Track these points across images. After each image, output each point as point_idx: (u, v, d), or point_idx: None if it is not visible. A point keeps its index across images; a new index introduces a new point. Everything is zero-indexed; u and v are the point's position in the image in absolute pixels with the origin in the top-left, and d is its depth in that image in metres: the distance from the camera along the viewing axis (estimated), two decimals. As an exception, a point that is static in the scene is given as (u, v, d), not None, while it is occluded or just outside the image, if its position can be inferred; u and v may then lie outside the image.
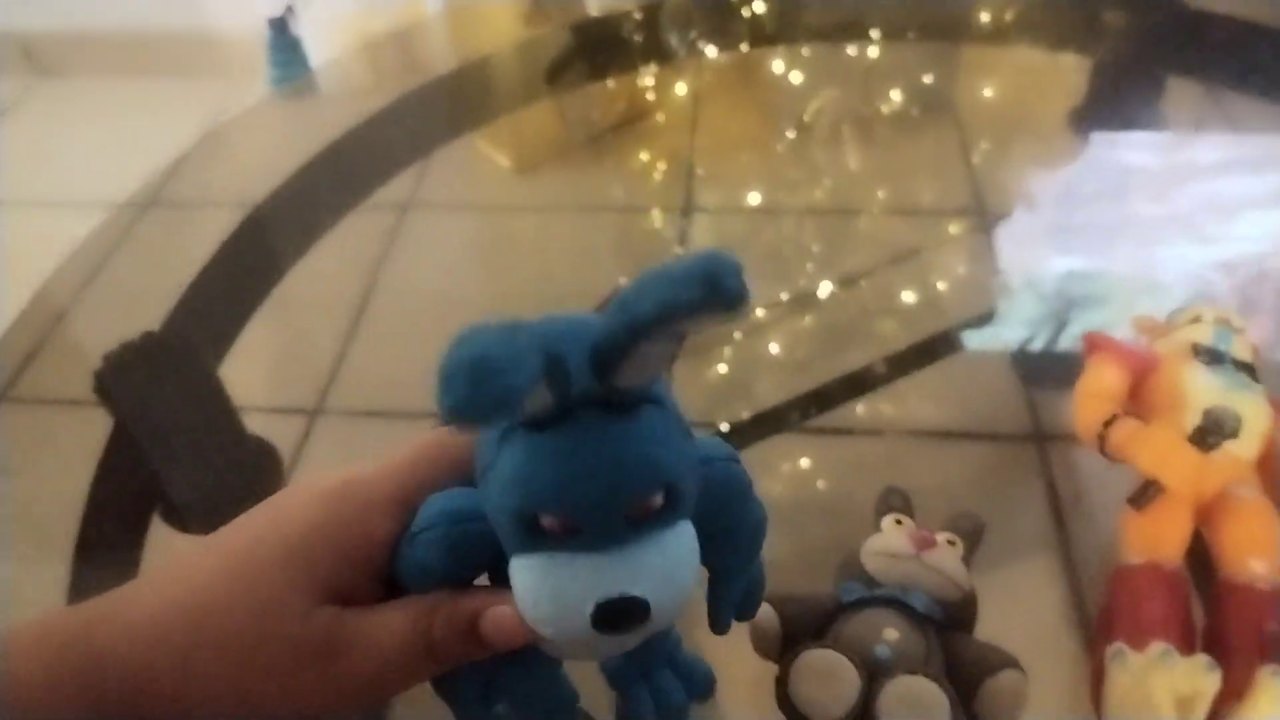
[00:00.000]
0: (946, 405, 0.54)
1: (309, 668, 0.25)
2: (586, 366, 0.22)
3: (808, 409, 0.54)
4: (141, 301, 0.64)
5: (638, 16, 0.89)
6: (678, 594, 0.25)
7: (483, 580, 0.28)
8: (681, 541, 0.25)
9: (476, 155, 0.78)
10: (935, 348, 0.58)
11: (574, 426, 0.23)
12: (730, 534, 0.30)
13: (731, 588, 0.32)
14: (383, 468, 0.28)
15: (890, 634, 0.35)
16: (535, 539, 0.24)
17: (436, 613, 0.26)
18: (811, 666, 0.34)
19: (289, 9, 1.07)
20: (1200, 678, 0.34)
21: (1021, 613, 0.43)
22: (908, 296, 0.62)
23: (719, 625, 0.32)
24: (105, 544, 0.49)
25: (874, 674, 0.34)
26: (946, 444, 0.52)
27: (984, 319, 0.60)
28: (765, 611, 0.37)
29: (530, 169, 0.75)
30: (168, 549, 0.49)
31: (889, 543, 0.39)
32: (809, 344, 0.59)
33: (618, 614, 0.24)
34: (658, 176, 0.75)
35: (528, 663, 0.29)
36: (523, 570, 0.24)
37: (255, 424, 0.56)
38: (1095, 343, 0.47)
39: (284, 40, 1.07)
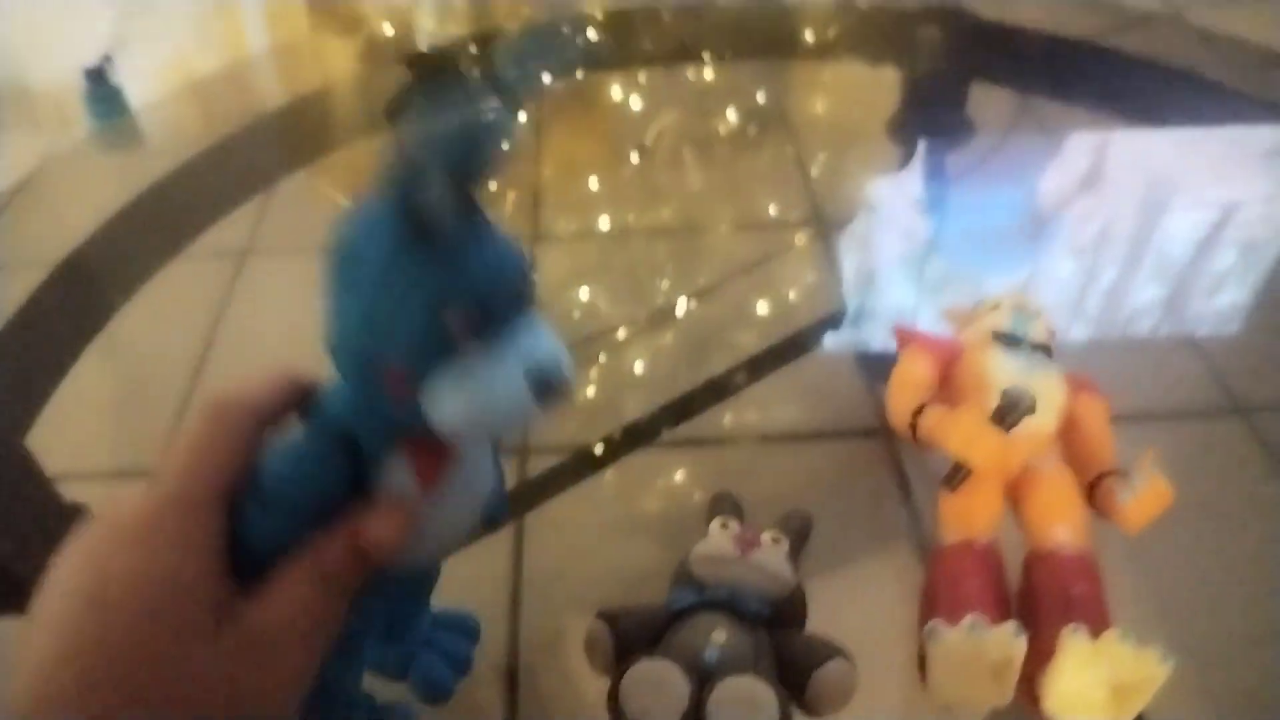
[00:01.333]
0: (800, 408, 0.55)
1: (248, 678, 0.26)
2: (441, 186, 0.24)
3: (670, 420, 0.54)
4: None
5: (473, 49, 0.89)
6: (569, 360, 0.28)
7: None
8: (547, 324, 0.28)
9: (316, 196, 0.76)
10: (784, 352, 0.59)
11: (463, 228, 0.25)
12: None
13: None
14: (170, 484, 0.27)
15: (718, 636, 0.36)
16: (446, 349, 0.25)
17: (320, 551, 0.27)
18: (640, 677, 0.34)
19: (106, 57, 1.02)
20: (1008, 644, 0.36)
21: (875, 600, 0.45)
22: (758, 306, 0.63)
23: (496, 517, 0.36)
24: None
25: (704, 678, 0.34)
26: (800, 445, 0.53)
27: (829, 322, 0.61)
28: (597, 626, 0.37)
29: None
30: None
31: (714, 546, 0.40)
32: (668, 359, 0.59)
33: (547, 380, 0.26)
34: (505, 206, 0.74)
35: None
36: (448, 381, 0.26)
37: (89, 490, 0.52)
38: (904, 336, 0.49)
39: (103, 90, 1.02)
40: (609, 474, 0.51)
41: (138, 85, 1.00)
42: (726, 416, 0.55)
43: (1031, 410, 0.41)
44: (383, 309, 0.25)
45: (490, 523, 0.35)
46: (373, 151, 0.79)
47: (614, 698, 0.34)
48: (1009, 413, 0.41)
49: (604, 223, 0.72)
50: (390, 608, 0.37)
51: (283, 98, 0.88)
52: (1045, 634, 0.36)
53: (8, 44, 1.38)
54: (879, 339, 0.60)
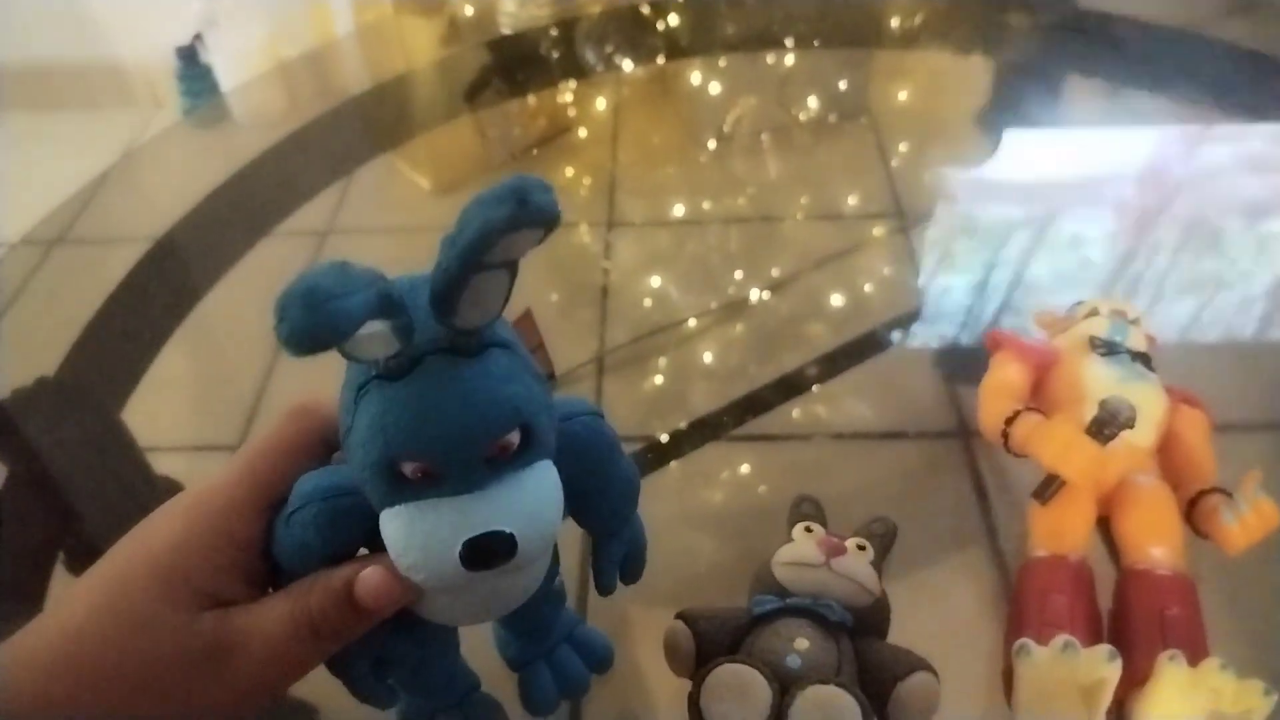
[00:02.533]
0: (874, 406, 0.54)
1: (201, 674, 0.26)
2: (429, 314, 0.23)
3: (740, 415, 0.54)
4: (44, 342, 0.62)
5: (554, 33, 0.89)
6: (544, 529, 0.26)
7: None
8: (543, 479, 0.26)
9: (396, 177, 0.77)
10: (861, 349, 0.58)
11: (424, 372, 0.24)
12: (601, 491, 0.32)
13: (611, 548, 0.34)
14: (234, 469, 0.28)
15: (801, 644, 0.35)
16: (400, 489, 0.25)
17: (313, 590, 0.27)
18: (723, 681, 0.33)
19: (197, 36, 1.05)
20: (1101, 667, 0.34)
21: (953, 609, 0.44)
22: (834, 300, 0.63)
23: (603, 585, 0.34)
24: (5, 594, 0.47)
25: (785, 685, 0.33)
26: (875, 444, 0.52)
27: (907, 319, 0.60)
28: (678, 629, 0.37)
29: (451, 189, 0.75)
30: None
31: (798, 552, 0.39)
32: (740, 351, 0.59)
33: (485, 551, 0.25)
34: (581, 191, 0.74)
35: (415, 635, 0.30)
36: (391, 521, 0.25)
37: (175, 463, 0.54)
38: (998, 340, 0.48)
39: (194, 69, 1.05)
40: (677, 466, 0.51)
41: (227, 64, 1.02)
42: (798, 412, 0.54)
43: (1130, 423, 0.39)
44: (351, 428, 0.25)
45: (599, 588, 0.34)
46: (454, 135, 0.81)
47: (695, 700, 0.34)
48: (1107, 424, 0.39)
49: (678, 209, 0.72)
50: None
51: (367, 81, 0.89)
52: (1138, 657, 0.35)
53: (101, 22, 1.43)
54: (958, 338, 0.59)
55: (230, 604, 0.27)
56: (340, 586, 0.27)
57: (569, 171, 0.77)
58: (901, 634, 0.38)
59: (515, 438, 0.25)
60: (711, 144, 0.79)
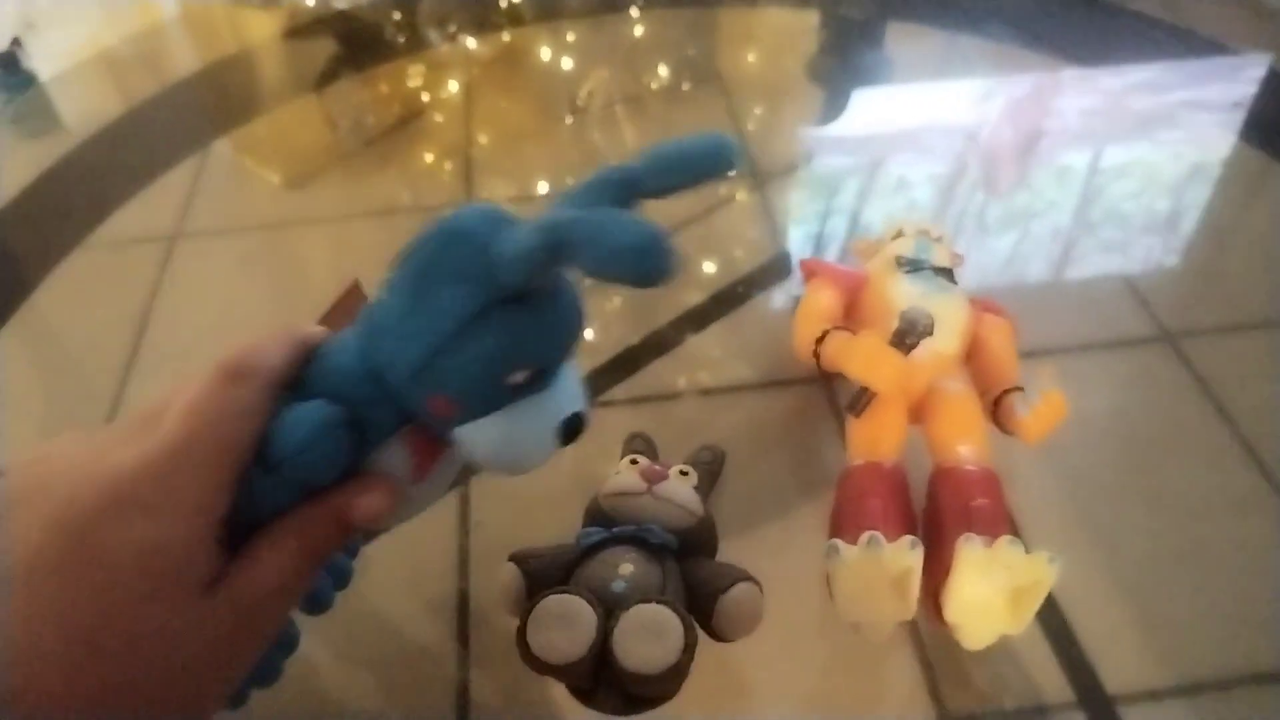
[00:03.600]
0: (741, 360, 0.55)
1: (234, 645, 0.27)
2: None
3: (609, 380, 0.54)
4: None
5: (396, 16, 0.88)
6: (588, 403, 0.30)
7: None
8: (574, 365, 0.30)
9: (244, 174, 0.75)
10: (725, 304, 0.59)
11: (547, 295, 0.27)
12: None
13: None
14: (186, 456, 0.26)
15: (626, 569, 0.36)
16: (501, 396, 0.28)
17: (316, 521, 0.28)
18: (548, 611, 0.34)
19: (15, 41, 0.99)
20: (905, 557, 0.36)
21: (817, 542, 0.44)
22: (699, 260, 0.63)
23: None
24: None
25: (611, 609, 0.34)
26: (743, 396, 0.54)
27: (765, 272, 0.62)
28: (507, 569, 0.38)
29: (303, 181, 0.73)
30: None
31: (621, 482, 0.40)
32: (608, 320, 0.59)
33: (575, 428, 0.29)
34: (438, 174, 0.73)
35: None
36: (494, 425, 0.28)
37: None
38: (810, 268, 0.50)
39: (16, 79, 0.98)
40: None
41: (52, 68, 0.97)
42: (670, 372, 0.55)
43: (929, 331, 0.41)
44: (453, 352, 0.26)
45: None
46: (292, 120, 0.78)
47: (521, 633, 0.34)
48: (907, 334, 0.41)
49: (540, 186, 0.72)
50: None
51: (197, 65, 0.86)
52: (947, 548, 0.37)
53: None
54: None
55: (217, 570, 0.27)
56: (337, 513, 0.28)
57: (423, 154, 0.76)
58: (758, 564, 0.39)
59: None
60: (568, 118, 0.79)
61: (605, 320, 0.59)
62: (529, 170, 0.73)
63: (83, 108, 0.85)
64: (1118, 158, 0.70)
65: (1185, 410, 0.51)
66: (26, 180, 0.70)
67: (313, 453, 0.27)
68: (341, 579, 0.39)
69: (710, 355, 0.56)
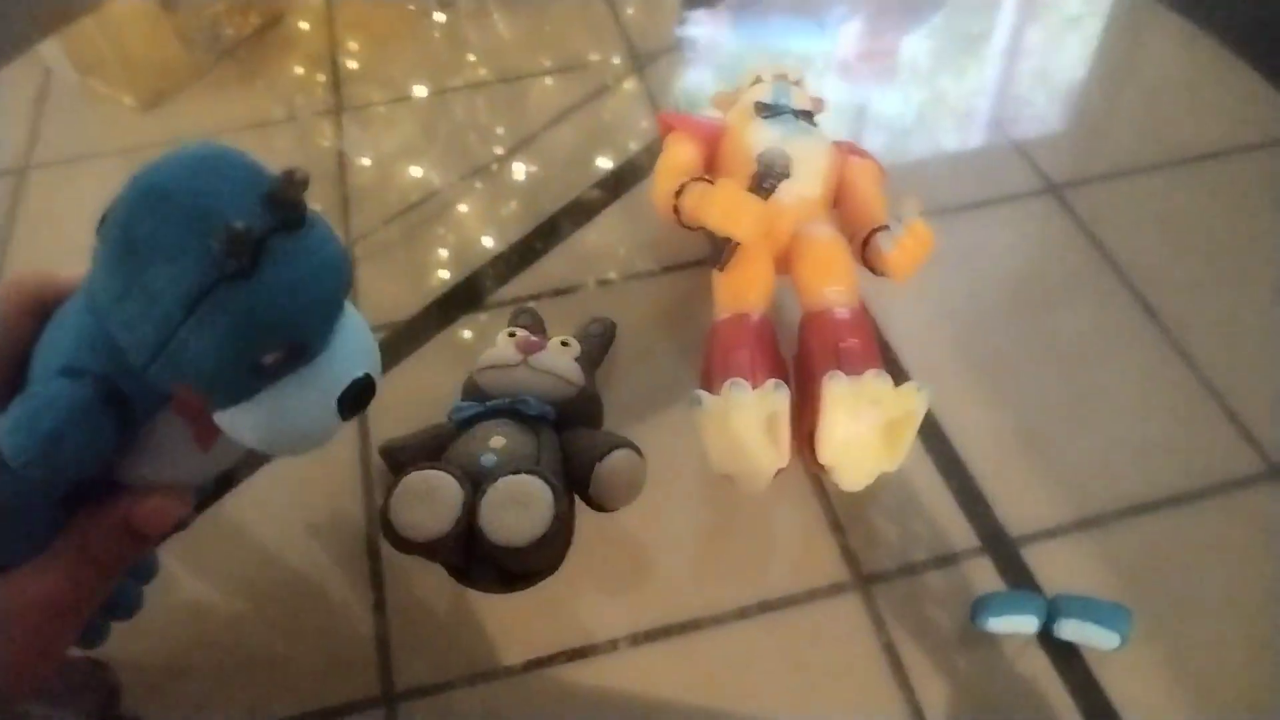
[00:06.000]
0: (633, 247, 0.54)
1: (9, 632, 0.25)
2: (251, 202, 0.22)
3: (502, 276, 0.53)
4: None
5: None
6: (378, 359, 0.26)
7: None
8: (354, 316, 0.26)
9: (94, 99, 0.70)
10: (612, 192, 0.58)
11: (275, 258, 0.22)
12: None
13: None
14: None
15: (497, 441, 0.35)
16: (259, 380, 0.23)
17: (90, 531, 0.26)
18: (410, 489, 0.33)
19: None
20: (770, 399, 0.35)
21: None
22: (590, 152, 0.62)
23: None
24: None
25: (479, 483, 0.33)
26: (639, 283, 0.52)
27: (649, 154, 0.61)
28: (376, 460, 0.37)
29: (158, 101, 0.69)
30: None
31: (496, 354, 0.39)
32: (508, 221, 0.58)
33: (359, 395, 0.25)
34: (307, 83, 0.70)
35: None
36: (254, 411, 0.24)
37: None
38: (668, 122, 0.47)
39: None
40: (439, 341, 0.50)
41: None
42: (563, 265, 0.53)
43: (786, 172, 0.39)
44: (184, 339, 0.22)
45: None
46: (138, 37, 0.73)
47: (385, 514, 0.33)
48: (765, 178, 0.39)
49: (414, 89, 0.69)
50: None
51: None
52: (819, 391, 0.36)
53: None
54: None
55: None
56: (118, 521, 0.26)
57: (288, 64, 0.72)
58: (665, 437, 0.39)
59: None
60: (438, 15, 0.75)
61: (495, 216, 0.57)
62: (402, 72, 0.70)
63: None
64: (1000, 8, 0.70)
65: (1072, 258, 0.51)
66: None
67: (65, 445, 0.23)
68: (146, 573, 0.35)
69: (603, 245, 0.55)
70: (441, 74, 0.70)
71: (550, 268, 0.53)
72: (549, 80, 0.69)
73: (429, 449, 0.36)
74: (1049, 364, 0.47)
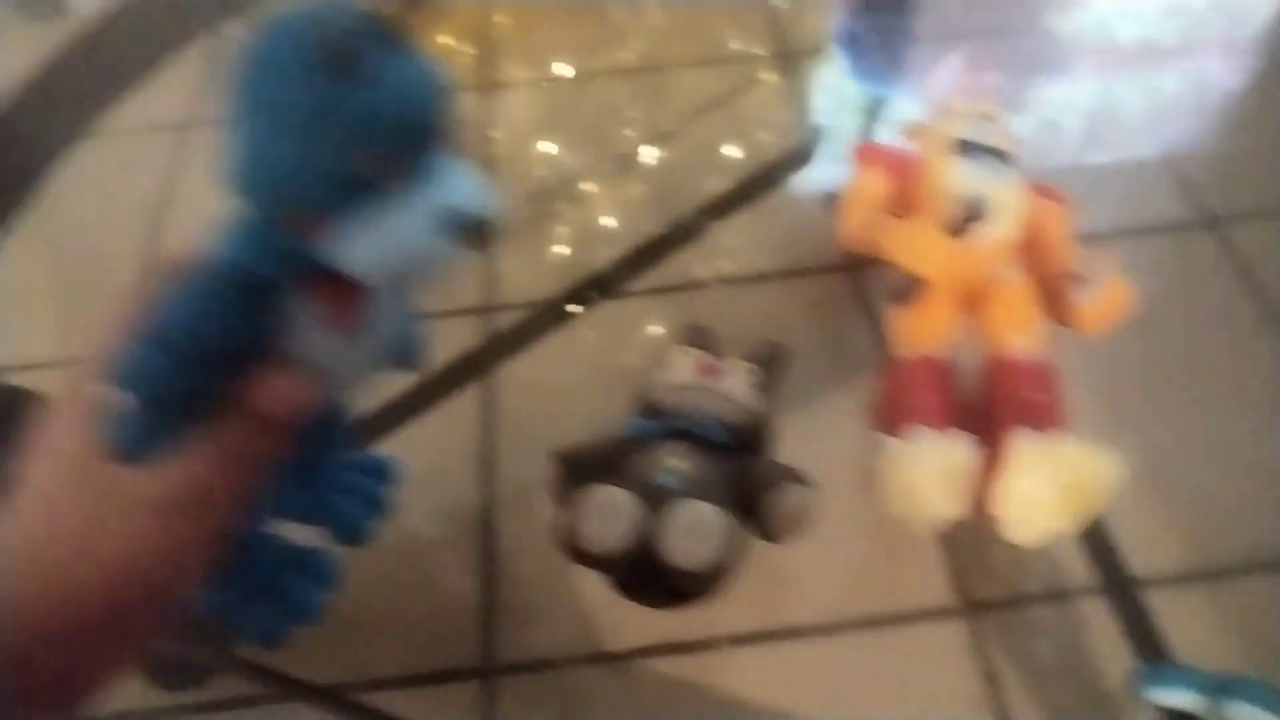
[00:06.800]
0: (768, 247, 0.54)
1: (141, 540, 0.25)
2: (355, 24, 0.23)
3: (636, 269, 0.53)
4: None
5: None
6: (494, 202, 0.26)
7: None
8: (469, 164, 0.26)
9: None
10: (750, 191, 0.58)
11: (373, 66, 0.22)
12: None
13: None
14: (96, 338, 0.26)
15: (674, 463, 0.35)
16: (360, 195, 0.24)
17: (225, 424, 0.26)
18: (592, 501, 0.33)
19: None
20: (957, 451, 0.35)
21: (852, 435, 0.44)
22: (726, 146, 0.62)
23: (412, 359, 0.33)
24: None
25: (657, 503, 0.34)
26: (770, 285, 0.52)
27: (796, 158, 0.60)
28: (551, 464, 0.37)
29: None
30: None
31: (675, 374, 0.39)
32: (635, 207, 0.58)
33: (467, 220, 0.24)
34: (457, 57, 0.72)
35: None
36: (358, 225, 0.24)
37: (37, 381, 0.51)
38: (862, 153, 0.47)
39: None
40: (578, 326, 0.51)
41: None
42: (695, 261, 0.54)
43: (980, 216, 0.39)
44: (287, 148, 0.23)
45: (404, 364, 0.33)
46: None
47: (566, 524, 0.33)
48: (962, 220, 0.39)
49: (562, 69, 0.70)
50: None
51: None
52: (1000, 442, 0.36)
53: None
54: (844, 172, 0.59)
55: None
56: (243, 405, 0.26)
57: (441, 37, 0.74)
58: (795, 456, 0.38)
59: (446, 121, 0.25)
60: (591, -3, 0.76)
61: (626, 208, 0.58)
62: (551, 51, 0.71)
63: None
64: (1158, 36, 0.66)
65: (1225, 296, 0.49)
66: (32, 65, 0.69)
67: (200, 319, 0.25)
68: (376, 507, 0.37)
69: (735, 244, 0.55)
70: (588, 56, 0.70)
71: (680, 261, 0.54)
72: (695, 71, 0.69)
73: (605, 461, 0.37)
74: (1190, 406, 0.45)
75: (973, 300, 0.42)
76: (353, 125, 0.23)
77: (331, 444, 0.37)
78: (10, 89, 0.67)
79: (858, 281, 0.51)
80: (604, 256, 0.55)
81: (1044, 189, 0.45)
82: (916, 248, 0.40)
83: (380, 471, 0.39)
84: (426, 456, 0.44)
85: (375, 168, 0.23)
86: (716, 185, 0.58)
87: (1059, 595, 0.39)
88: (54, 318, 0.56)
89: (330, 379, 0.28)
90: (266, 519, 0.35)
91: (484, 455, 0.45)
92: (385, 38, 0.23)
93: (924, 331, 0.41)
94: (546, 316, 0.51)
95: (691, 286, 0.53)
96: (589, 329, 0.51)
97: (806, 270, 0.53)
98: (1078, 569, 0.40)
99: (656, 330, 0.51)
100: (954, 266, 0.40)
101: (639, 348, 0.51)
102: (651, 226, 0.56)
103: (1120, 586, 0.39)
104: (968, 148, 0.43)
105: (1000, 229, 0.41)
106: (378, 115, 0.23)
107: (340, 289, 0.26)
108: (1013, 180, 0.43)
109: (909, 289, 0.40)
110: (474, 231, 0.25)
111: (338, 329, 0.27)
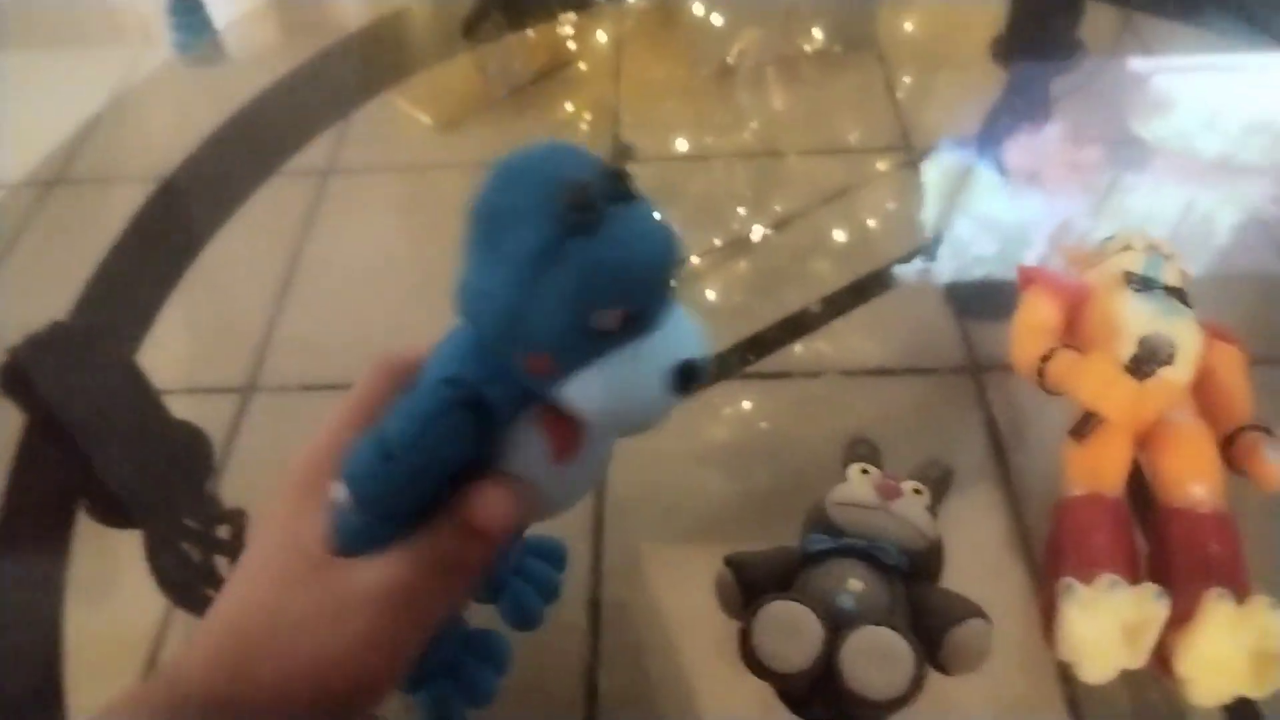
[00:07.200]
0: (883, 342, 0.54)
1: (332, 628, 0.26)
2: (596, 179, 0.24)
3: (747, 354, 0.54)
4: (50, 286, 0.61)
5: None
6: (710, 351, 0.27)
7: None
8: (686, 312, 0.27)
9: (397, 115, 0.76)
10: (869, 285, 0.58)
11: (614, 221, 0.24)
12: None
13: None
14: (330, 427, 0.28)
15: (854, 584, 0.35)
16: (593, 345, 0.25)
17: (432, 528, 0.27)
18: (774, 618, 0.33)
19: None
20: (1148, 606, 0.34)
21: (967, 546, 0.43)
22: (840, 236, 0.62)
23: None
24: (28, 543, 0.47)
25: (838, 625, 0.33)
26: (885, 381, 0.52)
27: (915, 254, 0.60)
28: (723, 574, 0.37)
29: (452, 126, 0.73)
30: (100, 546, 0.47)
31: (854, 492, 0.38)
32: (746, 289, 0.59)
33: (692, 374, 0.26)
34: (583, 126, 0.73)
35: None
36: (594, 378, 0.25)
37: (185, 406, 0.54)
38: (1029, 275, 0.47)
39: (186, 3, 1.02)
40: (687, 404, 0.51)
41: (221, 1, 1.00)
42: (807, 349, 0.54)
43: (1170, 360, 0.39)
44: (530, 297, 0.24)
45: None
46: (454, 71, 0.79)
47: (745, 636, 0.33)
48: (1146, 362, 0.39)
49: (682, 144, 0.71)
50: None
51: (365, 16, 0.87)
52: (1180, 596, 0.35)
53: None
54: (967, 273, 0.58)
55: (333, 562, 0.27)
56: (459, 515, 0.26)
57: (570, 106, 0.76)
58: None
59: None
60: (716, 77, 0.77)
61: (740, 296, 0.58)
62: (673, 128, 0.72)
63: (256, 51, 0.87)
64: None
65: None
66: (213, 121, 0.72)
67: (428, 436, 0.25)
68: (550, 593, 0.38)
69: (849, 335, 0.55)
70: (710, 133, 0.71)
71: (795, 351, 0.54)
72: (814, 158, 0.69)
73: (778, 574, 0.37)
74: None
75: (1145, 442, 0.41)
76: (589, 280, 0.24)
77: (521, 533, 0.38)
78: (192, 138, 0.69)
79: (976, 386, 0.51)
80: (711, 333, 0.55)
81: (1217, 329, 0.44)
82: (1098, 385, 0.39)
83: (554, 556, 0.40)
84: (538, 525, 0.44)
85: (608, 321, 0.24)
86: (827, 271, 0.59)
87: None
88: (209, 348, 0.58)
89: (544, 502, 0.29)
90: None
91: (594, 529, 0.45)
92: (622, 190, 0.24)
93: (1098, 470, 0.40)
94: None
95: (802, 374, 0.53)
96: (697, 407, 0.51)
97: (921, 369, 0.53)
98: (1207, 716, 0.38)
99: (761, 413, 0.52)
100: (1134, 407, 0.39)
101: (745, 429, 0.51)
102: (759, 307, 0.56)
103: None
104: (1142, 283, 0.43)
105: (1178, 371, 0.40)
106: (614, 271, 0.24)
107: (564, 421, 0.27)
108: (1189, 321, 0.42)
109: (1089, 425, 0.40)
110: (693, 382, 0.26)
111: (557, 459, 0.28)
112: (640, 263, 0.24)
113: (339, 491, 0.27)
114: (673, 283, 0.26)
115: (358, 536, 0.27)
